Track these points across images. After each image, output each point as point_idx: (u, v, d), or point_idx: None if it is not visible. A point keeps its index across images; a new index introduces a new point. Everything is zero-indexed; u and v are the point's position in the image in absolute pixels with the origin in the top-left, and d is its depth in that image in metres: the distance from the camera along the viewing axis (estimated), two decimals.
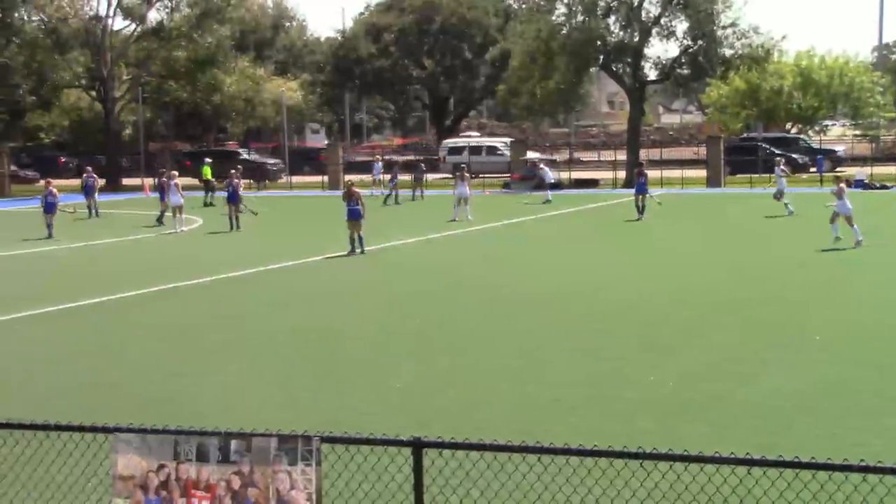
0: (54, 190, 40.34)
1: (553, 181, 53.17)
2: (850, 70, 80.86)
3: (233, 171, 42.68)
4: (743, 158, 66.15)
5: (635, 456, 6.20)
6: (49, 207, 39.65)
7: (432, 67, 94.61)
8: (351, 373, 15.66)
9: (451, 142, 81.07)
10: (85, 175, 50.94)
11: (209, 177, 55.91)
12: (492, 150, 75.69)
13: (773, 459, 6.03)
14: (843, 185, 31.19)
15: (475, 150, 75.68)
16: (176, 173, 43.73)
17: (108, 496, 7.08)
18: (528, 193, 51.38)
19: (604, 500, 7.97)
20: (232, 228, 39.66)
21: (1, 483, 9.08)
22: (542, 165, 57.21)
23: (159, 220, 42.59)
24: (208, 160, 60.22)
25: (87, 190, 49.29)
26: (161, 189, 41.91)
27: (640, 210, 40.70)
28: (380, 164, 63.84)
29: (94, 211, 48.15)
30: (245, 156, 76.22)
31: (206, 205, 52.79)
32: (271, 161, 78.19)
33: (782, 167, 42.37)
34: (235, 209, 40.45)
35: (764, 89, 78.44)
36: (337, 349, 17.42)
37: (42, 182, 53.19)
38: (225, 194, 41.74)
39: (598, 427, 12.31)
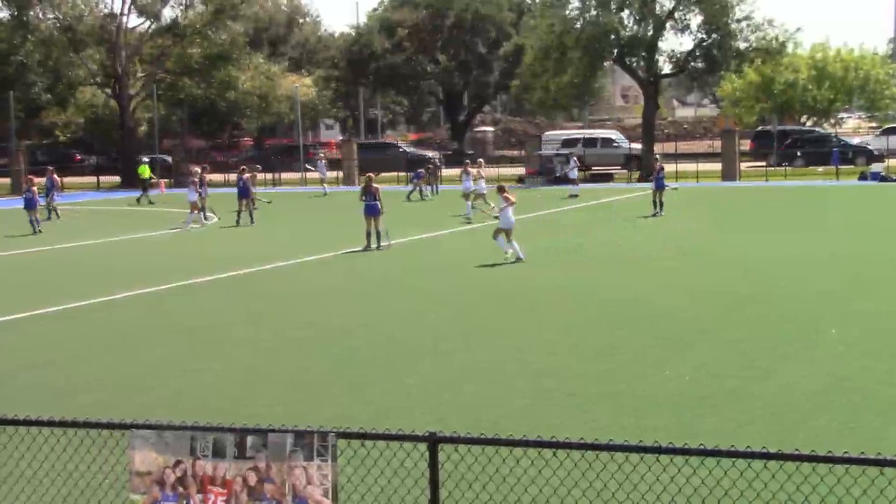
0: (34, 188, 40.64)
1: (574, 177, 52.73)
2: (865, 63, 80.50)
3: (243, 166, 42.79)
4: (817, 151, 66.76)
5: (650, 450, 6.19)
6: (28, 203, 40.19)
7: (446, 62, 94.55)
8: (367, 368, 15.68)
9: (562, 133, 78.57)
10: (47, 175, 48.67)
11: (147, 175, 55.91)
12: (607, 142, 73.41)
13: (789, 453, 6.02)
14: None
15: (590, 141, 73.54)
16: (198, 170, 43.83)
17: (125, 492, 7.11)
18: (544, 189, 51.30)
19: (620, 495, 7.96)
20: (238, 224, 39.73)
21: (20, 479, 9.12)
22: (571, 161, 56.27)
23: (205, 216, 42.94)
24: (145, 159, 60.26)
25: (45, 191, 46.93)
26: (245, 189, 41.42)
27: (659, 206, 40.24)
28: (324, 161, 63.78)
29: (51, 213, 46.08)
30: (405, 148, 79.60)
31: (138, 202, 53.02)
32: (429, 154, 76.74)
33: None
34: (248, 204, 40.55)
35: (778, 82, 78.15)
36: (353, 344, 17.44)
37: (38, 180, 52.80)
38: (236, 190, 41.79)
39: (613, 422, 12.30)
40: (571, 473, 7.83)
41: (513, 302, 21.43)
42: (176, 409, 12.65)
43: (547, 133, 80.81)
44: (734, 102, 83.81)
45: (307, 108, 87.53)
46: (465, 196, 42.62)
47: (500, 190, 28.93)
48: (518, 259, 27.07)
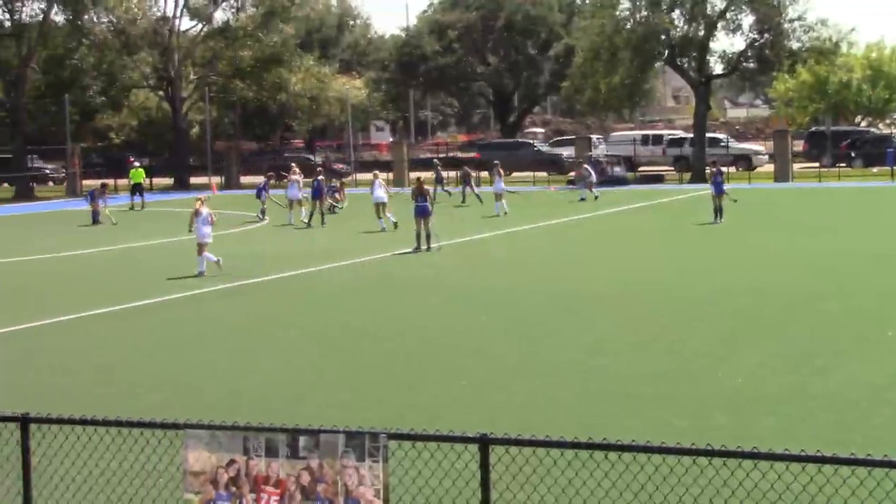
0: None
1: (594, 181, 52.13)
2: None
3: (318, 168, 43.23)
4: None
5: (702, 453, 6.16)
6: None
7: (496, 64, 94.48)
8: (418, 369, 15.70)
9: (631, 133, 77.24)
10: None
11: (139, 180, 54.54)
12: (714, 142, 70.39)
13: (844, 458, 5.96)
14: None
15: (678, 141, 72.49)
16: (297, 169, 44.08)
17: (179, 492, 7.17)
18: (587, 190, 51.02)
19: (672, 498, 7.92)
20: (309, 224, 40.00)
21: (76, 478, 9.21)
22: (586, 165, 55.67)
23: (332, 210, 43.64)
24: (137, 164, 59.16)
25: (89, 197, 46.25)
26: (318, 189, 41.49)
27: (720, 213, 37.32)
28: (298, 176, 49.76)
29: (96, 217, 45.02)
30: (539, 147, 76.61)
31: (132, 208, 51.45)
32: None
33: None
34: (320, 206, 40.83)
35: (832, 82, 77.48)
36: (404, 345, 17.47)
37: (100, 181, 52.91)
38: (309, 191, 42.06)
39: (668, 422, 12.24)
40: (623, 475, 7.80)
41: (565, 301, 21.39)
42: (229, 410, 12.73)
43: (613, 134, 79.98)
44: (787, 103, 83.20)
45: (358, 110, 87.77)
46: (498, 196, 43.43)
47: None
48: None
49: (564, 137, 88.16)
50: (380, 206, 38.07)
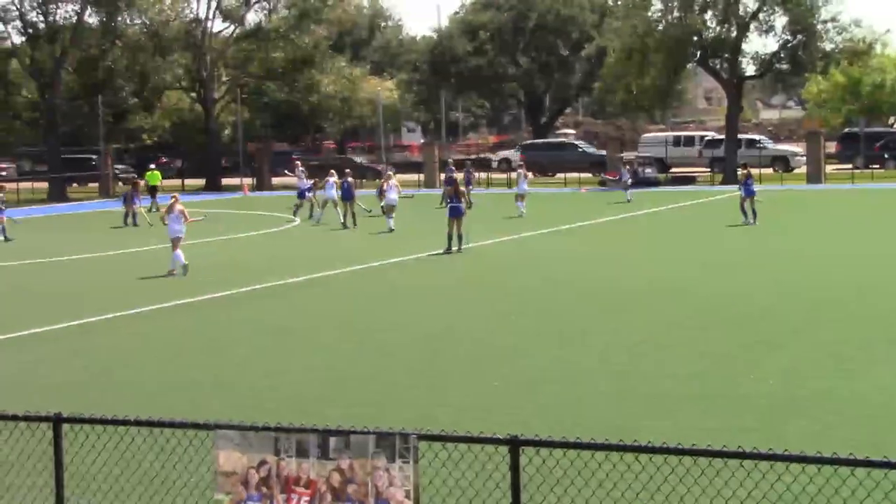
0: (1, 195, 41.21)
1: (629, 182, 51.99)
2: None
3: (347, 169, 43.42)
4: None
5: (734, 455, 6.13)
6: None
7: (528, 65, 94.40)
8: (449, 369, 15.71)
9: (697, 134, 76.45)
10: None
11: (155, 182, 53.72)
12: (751, 143, 69.66)
13: (878, 460, 5.92)
14: None
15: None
16: (391, 173, 43.85)
17: (209, 492, 7.19)
18: (620, 192, 50.91)
19: (703, 500, 7.89)
20: (345, 225, 40.05)
21: (107, 478, 9.26)
22: (622, 166, 55.64)
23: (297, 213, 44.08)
24: (152, 165, 58.47)
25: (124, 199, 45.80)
26: (349, 191, 41.53)
27: (752, 215, 36.73)
28: (302, 169, 49.87)
29: (127, 218, 44.79)
30: (584, 148, 76.68)
31: (149, 211, 48.10)
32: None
33: None
34: (350, 207, 40.93)
35: (865, 83, 76.95)
36: (435, 346, 17.48)
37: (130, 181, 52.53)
38: (339, 193, 42.18)
39: (698, 424, 12.20)
40: (654, 477, 7.77)
41: (597, 302, 21.36)
42: (260, 410, 12.77)
43: (646, 136, 79.43)
44: (820, 104, 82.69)
45: (389, 111, 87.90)
46: (521, 197, 43.50)
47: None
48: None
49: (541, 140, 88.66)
50: (391, 208, 38.52)
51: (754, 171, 59.01)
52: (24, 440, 9.28)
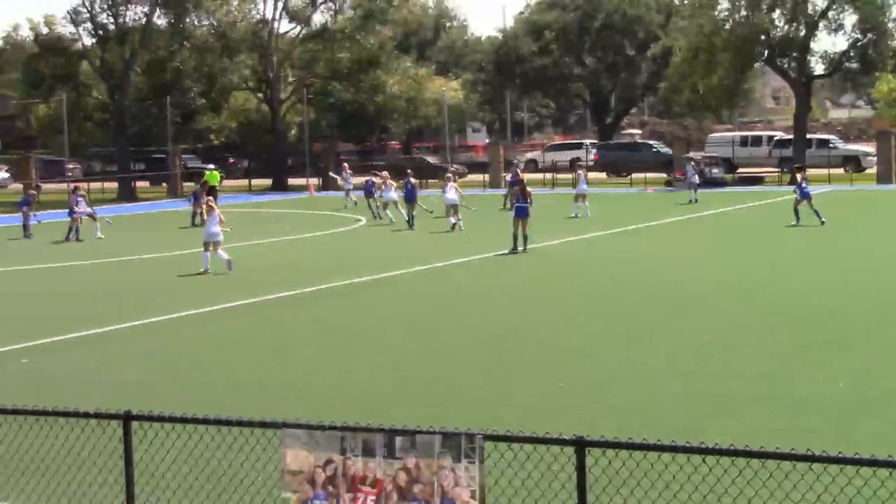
0: (32, 192, 41.00)
1: (696, 182, 51.46)
2: None
3: (409, 170, 43.51)
4: None
5: (802, 458, 6.07)
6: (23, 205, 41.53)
7: (593, 65, 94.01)
8: (515, 370, 15.70)
9: (764, 133, 75.93)
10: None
11: (214, 183, 50.98)
12: (823, 143, 68.53)
13: None
14: None
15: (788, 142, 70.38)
16: (450, 174, 43.88)
17: (276, 490, 7.25)
18: (687, 191, 50.50)
19: (771, 503, 7.82)
20: (411, 227, 40.12)
21: (176, 476, 9.37)
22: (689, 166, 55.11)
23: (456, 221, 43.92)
24: (211, 165, 57.67)
25: (21, 204, 42.83)
26: (411, 192, 41.69)
27: (817, 216, 35.90)
28: (349, 171, 54.34)
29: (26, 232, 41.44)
30: (658, 149, 75.98)
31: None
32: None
33: None
34: (411, 208, 41.02)
35: None
36: (501, 346, 17.48)
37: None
38: (401, 193, 42.29)
39: (766, 425, 12.09)
40: (721, 480, 7.71)
41: (664, 302, 21.25)
42: (326, 409, 12.83)
43: (712, 136, 78.59)
44: (890, 103, 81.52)
45: (454, 111, 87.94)
46: (582, 198, 43.25)
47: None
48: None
49: (565, 142, 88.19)
50: (451, 207, 38.72)
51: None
52: (95, 437, 9.41)
